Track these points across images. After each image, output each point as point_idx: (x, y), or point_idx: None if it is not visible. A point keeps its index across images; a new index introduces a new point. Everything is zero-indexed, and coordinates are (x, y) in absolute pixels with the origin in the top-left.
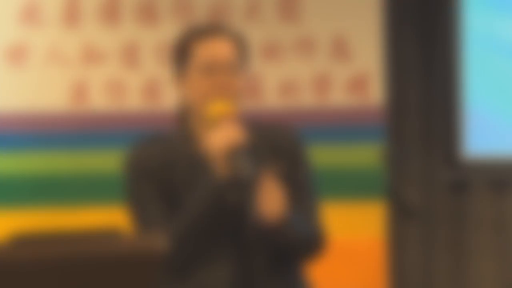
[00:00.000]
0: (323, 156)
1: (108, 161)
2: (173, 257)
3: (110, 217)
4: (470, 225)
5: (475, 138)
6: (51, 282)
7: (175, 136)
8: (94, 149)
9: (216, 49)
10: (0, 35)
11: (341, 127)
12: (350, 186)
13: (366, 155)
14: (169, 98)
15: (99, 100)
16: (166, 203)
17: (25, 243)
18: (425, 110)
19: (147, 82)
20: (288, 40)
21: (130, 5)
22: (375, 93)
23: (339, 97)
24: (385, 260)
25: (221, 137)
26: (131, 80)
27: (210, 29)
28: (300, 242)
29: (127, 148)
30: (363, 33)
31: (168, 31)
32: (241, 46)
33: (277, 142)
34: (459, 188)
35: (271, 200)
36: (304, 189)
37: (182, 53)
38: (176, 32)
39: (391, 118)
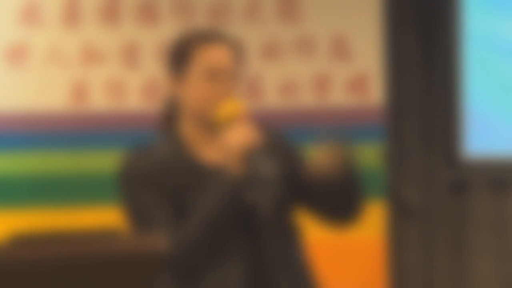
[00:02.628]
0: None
1: (107, 161)
2: (187, 258)
3: (110, 217)
4: (470, 225)
5: (475, 138)
6: (51, 282)
7: (167, 142)
8: (94, 149)
9: (219, 55)
10: (0, 35)
11: (341, 127)
12: None
13: (366, 155)
14: None
15: (99, 100)
16: (170, 209)
17: (25, 243)
18: (425, 110)
19: (147, 82)
20: (288, 40)
21: (130, 5)
22: (375, 93)
23: (339, 97)
24: (385, 260)
25: (238, 137)
26: (131, 80)
27: (212, 34)
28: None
29: (121, 159)
30: (363, 33)
31: (168, 31)
32: (239, 53)
33: (275, 143)
34: (459, 188)
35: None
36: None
37: (182, 56)
38: (176, 32)
39: (391, 118)
